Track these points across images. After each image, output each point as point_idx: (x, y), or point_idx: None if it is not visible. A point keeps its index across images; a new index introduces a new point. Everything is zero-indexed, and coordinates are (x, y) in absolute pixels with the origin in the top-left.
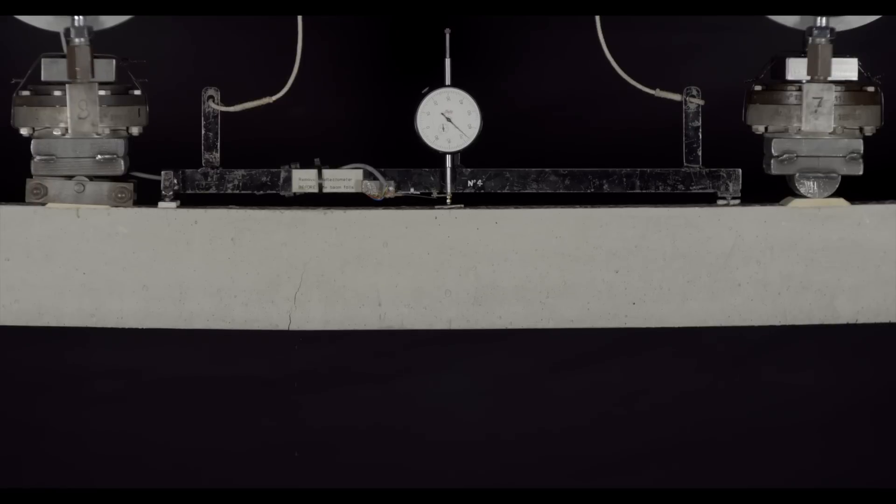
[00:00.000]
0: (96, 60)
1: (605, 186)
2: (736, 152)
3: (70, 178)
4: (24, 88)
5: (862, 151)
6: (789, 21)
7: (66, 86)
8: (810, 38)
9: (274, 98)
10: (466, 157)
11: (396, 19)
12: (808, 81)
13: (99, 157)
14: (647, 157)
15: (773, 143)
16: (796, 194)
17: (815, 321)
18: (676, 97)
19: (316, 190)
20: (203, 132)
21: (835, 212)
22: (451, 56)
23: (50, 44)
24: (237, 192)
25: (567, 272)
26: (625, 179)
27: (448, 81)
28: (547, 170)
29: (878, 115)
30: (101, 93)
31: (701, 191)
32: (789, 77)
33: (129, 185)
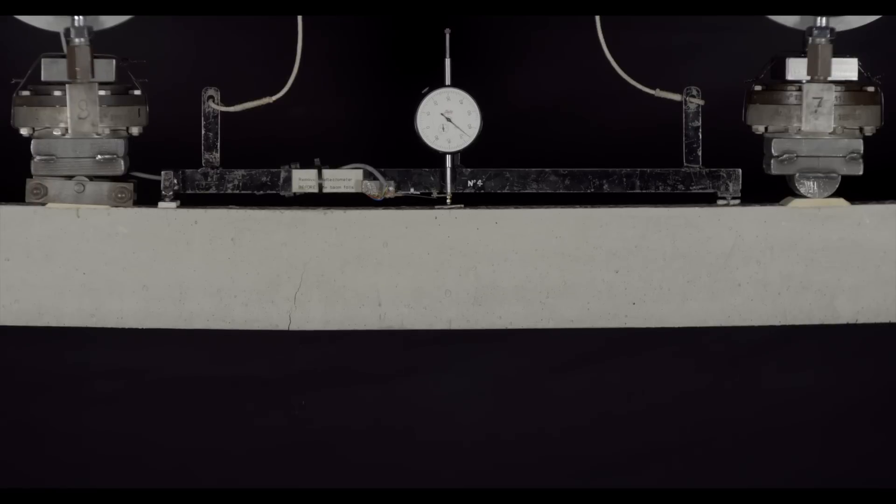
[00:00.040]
0: (96, 60)
1: (605, 186)
2: (736, 152)
3: (70, 178)
4: (24, 88)
5: (862, 151)
6: (789, 21)
7: (66, 86)
8: (810, 38)
9: (274, 98)
10: (466, 157)
11: (396, 19)
12: (808, 81)
13: (99, 157)
14: (647, 157)
15: (773, 143)
16: (796, 194)
17: (815, 321)
18: (676, 97)
19: (316, 190)
20: (203, 132)
21: (835, 212)
22: (451, 56)
23: (50, 44)
24: (237, 192)
25: (567, 272)
26: (625, 179)
27: (448, 81)
28: (547, 170)
29: (878, 115)
30: (101, 93)
31: (701, 191)
32: (789, 77)
33: (129, 185)
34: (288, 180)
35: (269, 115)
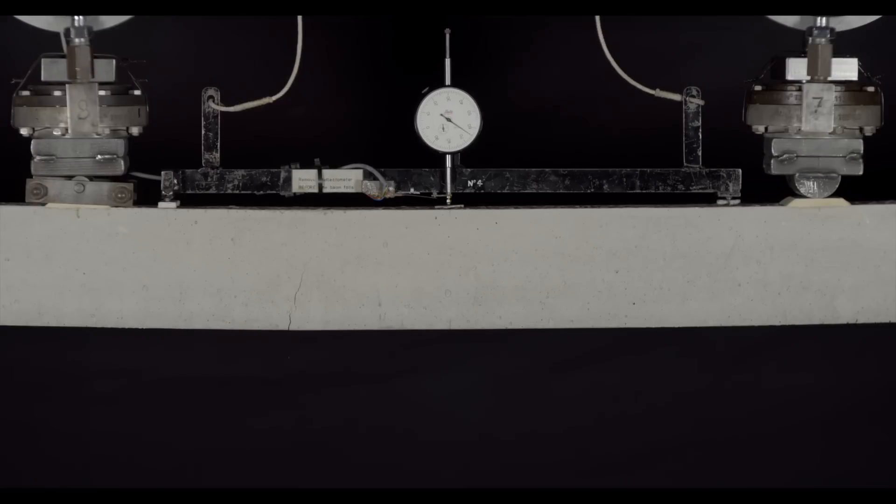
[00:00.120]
0: (96, 60)
1: (605, 186)
2: (736, 152)
3: (70, 178)
4: (24, 88)
5: (862, 151)
6: (789, 21)
7: (66, 86)
8: (810, 38)
9: (274, 98)
10: (466, 157)
11: (396, 19)
12: (808, 81)
13: (99, 157)
14: (647, 157)
15: (773, 143)
16: (796, 194)
17: (815, 321)
18: (676, 97)
19: (316, 190)
20: (203, 132)
21: (835, 212)
22: (451, 56)
23: (50, 44)
24: (237, 192)
25: (567, 272)
26: (625, 179)
27: (448, 81)
28: (547, 170)
29: (878, 115)
30: (101, 93)
31: (701, 191)
32: (789, 77)
33: (129, 185)
34: (288, 180)
35: (269, 115)
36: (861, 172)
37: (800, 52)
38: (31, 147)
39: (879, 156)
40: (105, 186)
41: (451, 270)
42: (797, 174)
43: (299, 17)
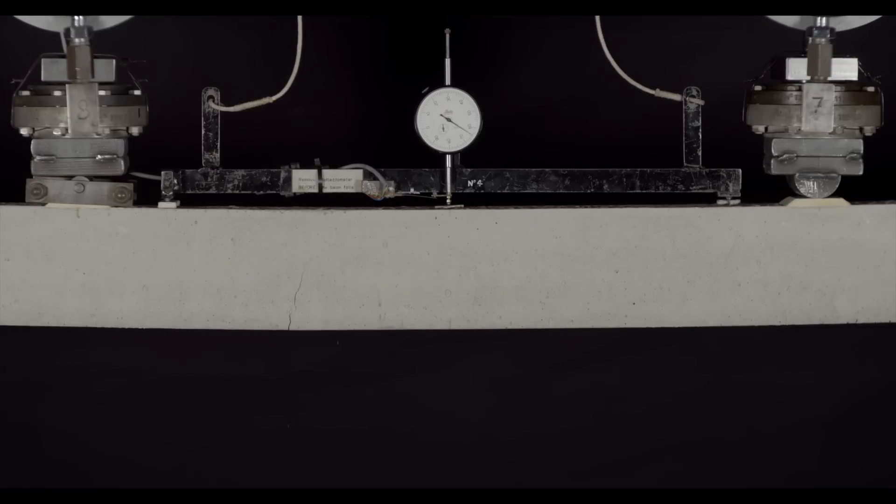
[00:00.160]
0: (96, 60)
1: (605, 186)
2: (736, 152)
3: (70, 178)
4: (24, 88)
5: (862, 151)
6: (789, 21)
7: (66, 86)
8: (810, 38)
9: (274, 98)
10: (466, 157)
11: (396, 19)
12: (808, 81)
13: (99, 157)
14: (647, 157)
15: (773, 143)
16: (796, 194)
17: (815, 321)
18: (676, 97)
19: (316, 190)
20: (203, 132)
21: (835, 212)
22: (451, 56)
23: (50, 44)
24: (237, 192)
25: (567, 272)
26: (625, 179)
27: (448, 81)
28: (547, 170)
29: (878, 115)
30: (101, 93)
31: (701, 191)
32: (789, 77)
33: (129, 185)
34: (288, 180)
35: (269, 115)
36: (861, 172)
37: (800, 52)
38: (31, 147)
39: (879, 156)
40: (105, 186)
41: (451, 270)
42: (797, 174)
43: (299, 17)
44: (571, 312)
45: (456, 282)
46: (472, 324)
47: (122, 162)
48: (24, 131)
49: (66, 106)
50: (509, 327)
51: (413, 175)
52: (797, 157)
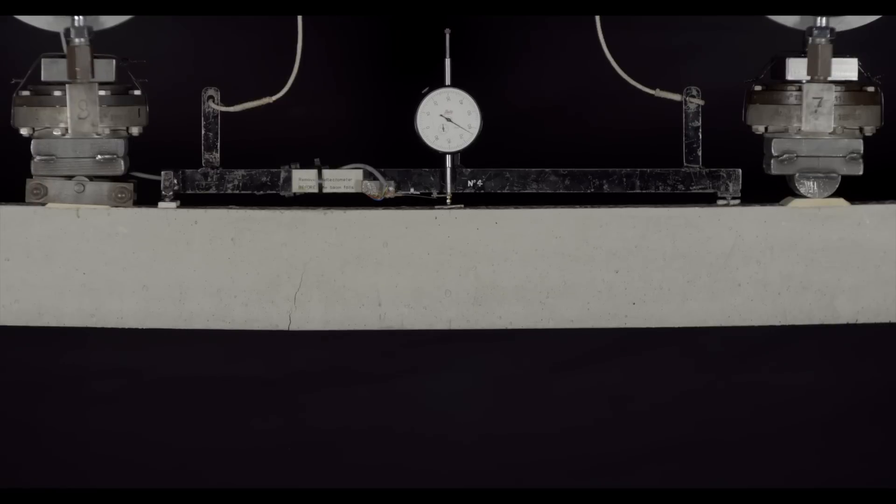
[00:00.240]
0: (96, 60)
1: (605, 186)
2: (736, 152)
3: (70, 178)
4: (24, 88)
5: (862, 151)
6: (789, 21)
7: (66, 86)
8: (810, 38)
9: (274, 98)
10: (466, 157)
11: (396, 19)
12: (808, 81)
13: (99, 157)
14: (647, 157)
15: (773, 143)
16: (796, 194)
17: (815, 321)
18: (676, 97)
19: (316, 190)
20: (203, 132)
21: (835, 212)
22: (451, 56)
23: (50, 44)
24: (237, 192)
25: (567, 272)
26: (625, 179)
27: (448, 81)
28: (547, 170)
29: (878, 115)
30: (101, 93)
31: (701, 191)
32: (789, 77)
33: (129, 185)
34: (288, 180)
35: (269, 115)
36: (861, 172)
37: (800, 52)
38: (31, 147)
39: (879, 156)
40: (105, 186)
41: (451, 270)
42: (797, 174)
43: (299, 17)
44: (571, 312)
45: (456, 282)
46: (472, 324)
47: (122, 162)
48: (24, 131)
49: (66, 106)
50: (509, 327)
51: (413, 175)
52: (797, 157)
